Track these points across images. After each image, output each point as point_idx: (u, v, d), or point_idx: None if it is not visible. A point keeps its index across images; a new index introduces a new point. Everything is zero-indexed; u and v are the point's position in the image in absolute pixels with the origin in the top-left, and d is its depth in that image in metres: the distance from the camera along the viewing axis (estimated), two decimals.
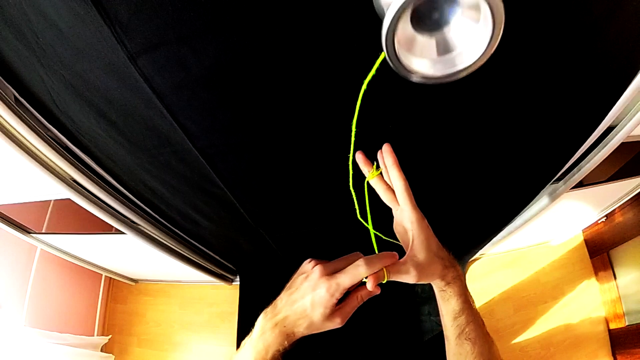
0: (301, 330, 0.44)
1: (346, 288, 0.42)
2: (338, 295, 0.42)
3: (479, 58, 0.33)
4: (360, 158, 0.51)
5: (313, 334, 0.45)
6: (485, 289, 1.82)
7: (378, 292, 0.44)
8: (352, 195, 0.53)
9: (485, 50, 0.32)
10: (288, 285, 0.48)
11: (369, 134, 0.48)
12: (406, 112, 0.60)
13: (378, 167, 0.51)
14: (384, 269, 0.42)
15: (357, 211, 0.54)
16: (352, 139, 0.47)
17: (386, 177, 0.51)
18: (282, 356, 0.44)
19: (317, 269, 0.44)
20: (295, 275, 0.49)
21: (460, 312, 0.48)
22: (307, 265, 0.47)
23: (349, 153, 0.48)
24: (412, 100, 0.57)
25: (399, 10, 0.29)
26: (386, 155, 0.50)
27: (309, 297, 0.43)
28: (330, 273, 0.43)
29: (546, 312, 1.78)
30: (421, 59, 0.35)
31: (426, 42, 0.34)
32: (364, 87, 0.41)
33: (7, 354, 1.54)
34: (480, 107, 0.59)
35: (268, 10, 0.41)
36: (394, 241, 0.54)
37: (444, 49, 0.34)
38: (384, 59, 0.34)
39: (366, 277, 0.41)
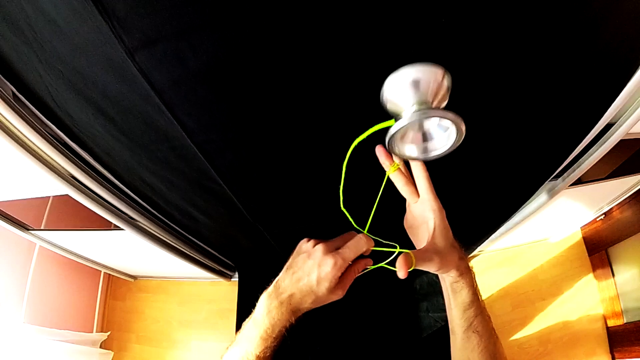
0: (306, 305, 0.46)
1: (349, 262, 0.45)
2: (343, 269, 0.45)
3: (440, 153, 0.46)
4: (381, 152, 0.51)
5: (312, 333, 0.46)
6: (484, 286, 1.82)
7: (371, 264, 0.48)
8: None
9: (445, 151, 0.46)
10: (288, 265, 0.49)
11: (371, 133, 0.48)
12: None
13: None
14: (412, 256, 0.42)
15: (352, 222, 0.55)
16: (343, 174, 0.49)
17: (402, 169, 0.53)
18: (287, 332, 0.47)
19: (320, 247, 0.46)
20: (293, 255, 0.50)
21: (470, 304, 0.49)
22: (307, 245, 0.49)
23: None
24: None
25: (401, 129, 0.40)
26: None
27: (315, 274, 0.44)
28: (333, 250, 0.46)
29: (544, 310, 1.78)
30: (408, 145, 0.47)
31: (413, 134, 0.46)
32: (354, 143, 0.45)
33: (6, 350, 1.54)
34: (479, 103, 0.59)
35: (265, 5, 0.41)
36: (393, 244, 0.55)
37: (423, 138, 0.47)
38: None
39: (394, 267, 0.41)
